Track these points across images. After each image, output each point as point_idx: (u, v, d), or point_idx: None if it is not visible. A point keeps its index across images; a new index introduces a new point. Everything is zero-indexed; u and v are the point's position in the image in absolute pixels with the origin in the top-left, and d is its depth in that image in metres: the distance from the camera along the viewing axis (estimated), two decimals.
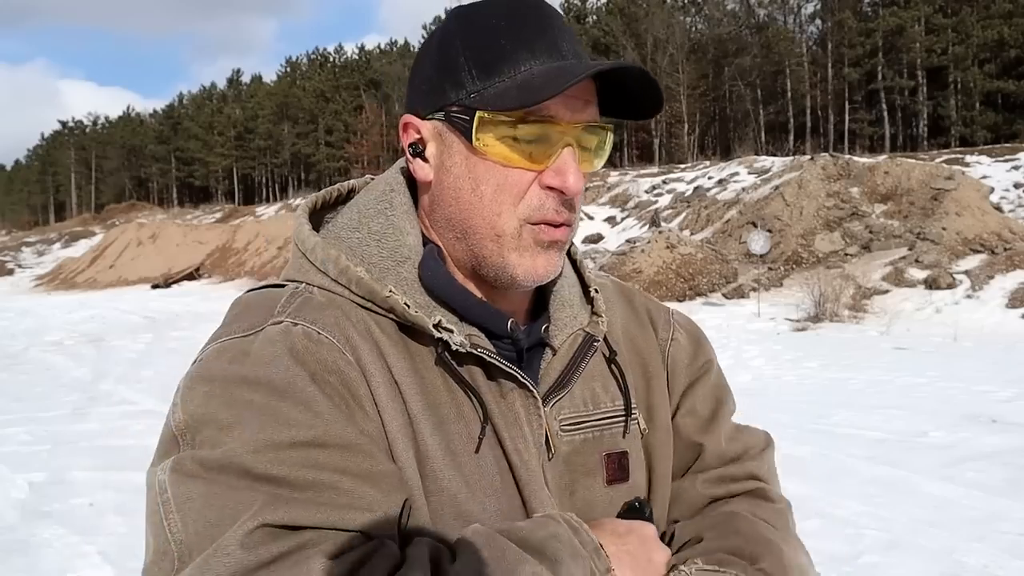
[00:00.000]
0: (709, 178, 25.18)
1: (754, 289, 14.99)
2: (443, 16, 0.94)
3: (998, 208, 17.20)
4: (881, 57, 46.86)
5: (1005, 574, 3.68)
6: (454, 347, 0.79)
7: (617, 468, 0.90)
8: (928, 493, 4.77)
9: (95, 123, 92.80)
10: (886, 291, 13.93)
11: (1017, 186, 20.75)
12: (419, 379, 0.80)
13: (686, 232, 19.90)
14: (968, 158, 24.37)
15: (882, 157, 22.27)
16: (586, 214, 25.75)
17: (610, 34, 55.62)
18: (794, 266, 16.24)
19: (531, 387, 0.83)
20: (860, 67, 48.26)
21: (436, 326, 0.79)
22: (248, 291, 0.87)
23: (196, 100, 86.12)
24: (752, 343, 10.99)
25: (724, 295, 15.48)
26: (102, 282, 35.78)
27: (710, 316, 13.65)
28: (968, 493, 4.75)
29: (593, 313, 0.93)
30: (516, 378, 0.82)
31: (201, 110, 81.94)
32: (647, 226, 22.25)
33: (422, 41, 0.92)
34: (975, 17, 44.21)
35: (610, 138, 0.84)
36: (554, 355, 0.88)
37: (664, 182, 27.31)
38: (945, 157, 25.18)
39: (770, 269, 16.27)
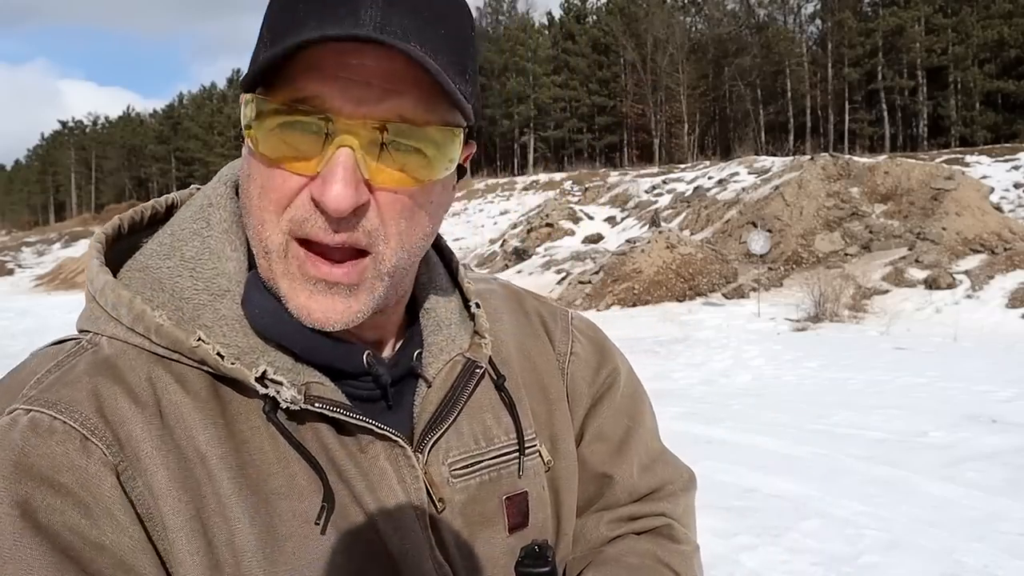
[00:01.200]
0: (709, 178, 25.19)
1: (754, 289, 14.99)
2: None
3: (998, 208, 17.20)
4: (881, 57, 46.87)
5: (1005, 574, 3.68)
6: (283, 404, 0.64)
7: (518, 512, 0.75)
8: (928, 493, 4.77)
9: (95, 123, 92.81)
10: (886, 291, 13.93)
11: (1017, 186, 20.76)
12: (236, 449, 0.64)
13: (686, 232, 19.90)
14: (968, 158, 24.38)
15: (882, 157, 22.27)
16: (586, 214, 25.76)
17: (610, 34, 55.63)
18: (794, 266, 16.24)
19: (393, 436, 0.68)
20: (860, 67, 48.27)
21: (260, 379, 0.64)
22: (39, 349, 0.69)
23: (196, 100, 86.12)
24: (752, 343, 10.99)
25: (724, 295, 15.48)
26: None
27: (710, 316, 13.65)
28: (968, 493, 4.75)
29: (475, 333, 0.78)
30: (372, 430, 0.67)
31: (201, 110, 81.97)
32: (647, 226, 22.25)
33: None
34: (975, 17, 44.21)
35: (449, 141, 0.64)
36: (428, 388, 0.73)
37: (664, 182, 27.32)
38: (945, 157, 25.19)
39: (770, 269, 16.27)
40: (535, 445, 0.79)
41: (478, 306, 0.80)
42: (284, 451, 0.65)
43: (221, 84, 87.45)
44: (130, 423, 0.61)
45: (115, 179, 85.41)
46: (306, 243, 0.63)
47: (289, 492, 0.64)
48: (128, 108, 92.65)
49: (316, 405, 0.65)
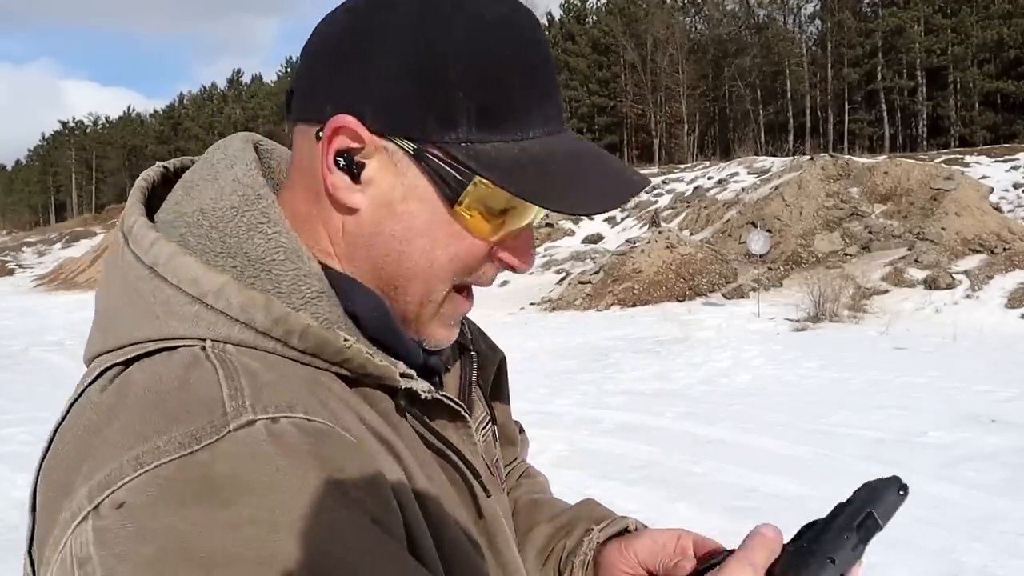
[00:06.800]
0: (709, 178, 25.21)
1: (754, 289, 14.99)
2: None
3: (997, 208, 17.21)
4: (881, 57, 46.89)
5: (1004, 573, 3.69)
6: (423, 395, 0.64)
7: (499, 474, 0.81)
8: (927, 493, 4.77)
9: (96, 123, 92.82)
10: (885, 291, 13.93)
11: (1016, 186, 20.76)
12: (405, 446, 0.63)
13: (686, 232, 19.91)
14: (967, 158, 24.39)
15: (882, 157, 22.29)
16: (586, 214, 25.75)
17: (610, 34, 55.64)
18: (794, 266, 16.24)
19: (464, 414, 0.70)
20: (860, 67, 48.30)
21: (403, 375, 0.63)
22: (120, 370, 0.57)
23: (197, 100, 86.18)
24: (752, 343, 10.99)
25: (724, 295, 15.48)
26: None
27: (710, 316, 13.65)
28: (967, 493, 4.76)
29: None
30: (456, 412, 0.69)
31: (201, 110, 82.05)
32: (647, 226, 22.26)
33: None
34: (974, 17, 44.24)
35: None
36: (447, 372, 0.76)
37: (664, 182, 27.33)
38: (944, 157, 25.20)
39: (770, 269, 16.27)
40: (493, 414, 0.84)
41: None
42: (428, 445, 0.66)
43: (222, 84, 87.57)
44: (345, 420, 0.58)
45: (116, 179, 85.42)
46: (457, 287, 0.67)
47: (450, 481, 0.67)
48: (129, 108, 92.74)
49: (437, 393, 0.66)
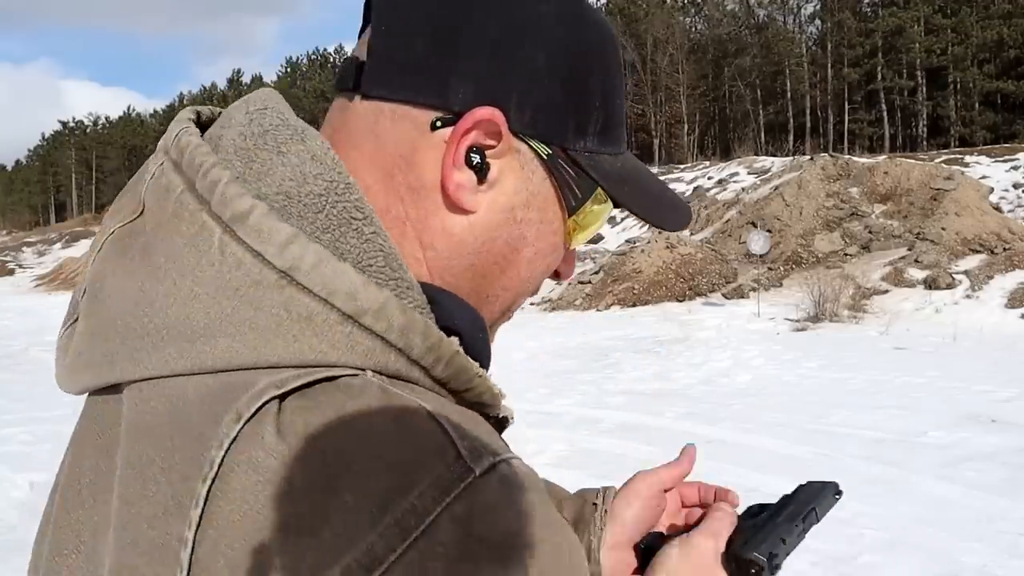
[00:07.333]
0: (709, 178, 25.21)
1: (754, 289, 15.00)
2: None
3: (997, 208, 17.21)
4: (881, 57, 46.90)
5: (1004, 573, 3.69)
6: (511, 421, 0.60)
7: None
8: (927, 493, 4.77)
9: (96, 123, 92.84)
10: (885, 291, 13.94)
11: (1016, 186, 20.76)
12: None
13: (686, 232, 19.91)
14: (967, 158, 24.38)
15: (881, 157, 22.29)
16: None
17: None
18: (794, 266, 16.25)
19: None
20: (860, 67, 48.30)
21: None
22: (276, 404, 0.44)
23: (197, 100, 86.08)
24: (752, 343, 10.99)
25: (724, 295, 15.48)
26: None
27: (710, 316, 13.65)
28: (967, 493, 4.76)
29: None
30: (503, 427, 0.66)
31: None
32: (647, 226, 22.26)
33: None
34: (974, 17, 44.25)
35: None
36: None
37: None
38: (944, 157, 25.19)
39: (770, 269, 16.28)
40: None
41: None
42: None
43: (222, 84, 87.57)
44: None
45: (116, 179, 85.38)
46: None
47: None
48: (129, 108, 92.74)
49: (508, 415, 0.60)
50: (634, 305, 15.77)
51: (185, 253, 0.48)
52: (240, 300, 0.46)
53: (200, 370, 0.46)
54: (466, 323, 0.54)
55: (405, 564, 0.39)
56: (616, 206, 0.61)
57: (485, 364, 0.55)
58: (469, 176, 0.54)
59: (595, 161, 0.58)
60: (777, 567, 0.67)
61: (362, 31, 0.58)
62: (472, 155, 0.54)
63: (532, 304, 17.52)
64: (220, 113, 0.58)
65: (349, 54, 0.59)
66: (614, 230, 24.11)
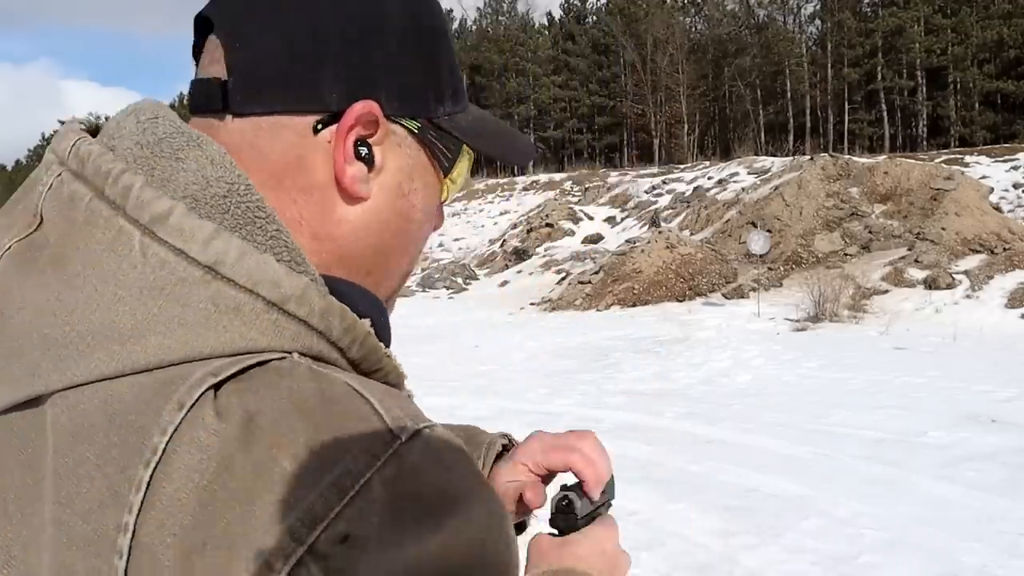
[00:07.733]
0: (709, 178, 25.21)
1: (754, 289, 15.00)
2: None
3: (997, 208, 17.22)
4: (881, 57, 46.90)
5: (1004, 573, 3.69)
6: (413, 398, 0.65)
7: None
8: (927, 493, 4.78)
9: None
10: (885, 291, 13.94)
11: (1016, 186, 20.78)
12: None
13: (686, 232, 19.91)
14: (967, 158, 24.39)
15: (881, 157, 22.29)
16: (586, 214, 25.77)
17: (610, 34, 55.65)
18: (794, 266, 16.25)
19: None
20: (860, 67, 48.30)
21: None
22: (211, 395, 0.46)
23: None
24: (752, 343, 10.99)
25: (724, 295, 15.48)
26: None
27: (710, 316, 13.65)
28: (967, 493, 4.76)
29: None
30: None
31: None
32: (647, 226, 22.27)
33: None
34: (974, 17, 44.25)
35: None
36: None
37: (664, 182, 27.34)
38: (944, 157, 25.21)
39: (770, 269, 16.28)
40: None
41: None
42: None
43: None
44: None
45: None
46: None
47: None
48: None
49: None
50: (634, 305, 15.77)
51: (104, 258, 0.49)
52: (166, 298, 0.48)
53: (132, 370, 0.47)
54: (370, 308, 0.57)
55: (345, 520, 0.42)
56: (477, 155, 0.67)
57: (388, 345, 0.59)
58: (360, 167, 0.58)
59: (455, 122, 0.63)
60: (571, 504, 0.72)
61: (196, 47, 0.60)
62: (359, 148, 0.57)
63: (532, 304, 17.52)
64: (102, 125, 0.60)
65: (196, 75, 0.59)
66: (614, 230, 24.12)
